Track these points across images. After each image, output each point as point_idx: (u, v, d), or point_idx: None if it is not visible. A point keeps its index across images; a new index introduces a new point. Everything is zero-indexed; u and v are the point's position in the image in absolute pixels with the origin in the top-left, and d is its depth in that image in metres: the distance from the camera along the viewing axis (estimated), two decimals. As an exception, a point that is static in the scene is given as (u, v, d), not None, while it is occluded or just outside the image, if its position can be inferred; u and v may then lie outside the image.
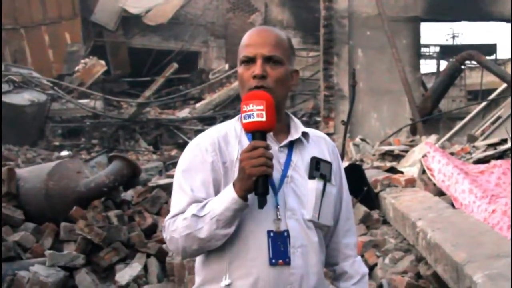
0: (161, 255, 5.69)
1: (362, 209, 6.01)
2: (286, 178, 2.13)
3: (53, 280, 5.18)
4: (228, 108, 18.37)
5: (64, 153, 14.67)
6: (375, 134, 13.01)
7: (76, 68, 19.12)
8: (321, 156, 2.22)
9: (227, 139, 2.17)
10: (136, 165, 6.76)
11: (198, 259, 2.20)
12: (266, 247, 2.07)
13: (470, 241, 4.09)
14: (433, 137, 9.89)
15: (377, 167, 7.80)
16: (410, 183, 6.49)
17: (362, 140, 11.04)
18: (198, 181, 2.12)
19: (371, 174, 6.88)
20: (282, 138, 2.19)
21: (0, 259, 5.34)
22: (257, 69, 2.12)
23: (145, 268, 5.63)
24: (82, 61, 19.37)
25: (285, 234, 2.09)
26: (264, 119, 2.02)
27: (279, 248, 2.08)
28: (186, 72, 21.32)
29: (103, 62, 19.47)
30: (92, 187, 6.26)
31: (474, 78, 22.66)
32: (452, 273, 3.75)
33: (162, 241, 5.64)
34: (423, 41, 18.17)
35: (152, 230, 6.10)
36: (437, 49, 26.42)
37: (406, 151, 8.53)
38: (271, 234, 2.08)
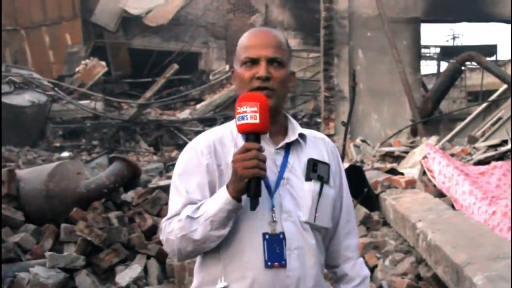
0: (161, 256, 5.69)
1: (362, 210, 6.01)
2: (282, 180, 2.12)
3: (53, 281, 5.17)
4: (228, 109, 18.36)
5: (65, 154, 14.68)
6: (376, 135, 13.02)
7: (77, 69, 19.12)
8: (319, 157, 2.21)
9: (223, 141, 2.17)
10: (136, 166, 6.76)
11: (197, 261, 2.20)
12: (262, 250, 2.07)
13: (470, 242, 4.08)
14: (433, 138, 9.90)
15: (378, 168, 7.80)
16: (411, 184, 6.49)
17: (363, 141, 11.04)
18: (194, 183, 2.12)
19: (372, 175, 6.88)
20: (279, 139, 2.18)
21: (0, 261, 5.33)
22: (261, 70, 2.12)
23: (145, 269, 5.62)
24: (83, 62, 19.36)
25: (281, 236, 2.08)
26: (257, 121, 2.01)
27: (275, 250, 2.07)
28: (187, 73, 21.33)
29: (103, 63, 19.47)
30: (93, 188, 6.26)
31: (475, 79, 22.67)
32: (452, 275, 3.75)
33: (162, 243, 5.63)
34: (423, 42, 18.14)
35: (152, 232, 6.09)
36: (438, 50, 26.42)
37: (407, 153, 8.53)
38: (267, 236, 2.07)
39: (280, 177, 2.13)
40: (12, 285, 5.20)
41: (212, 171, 2.13)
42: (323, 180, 2.16)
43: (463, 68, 14.43)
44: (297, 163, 2.17)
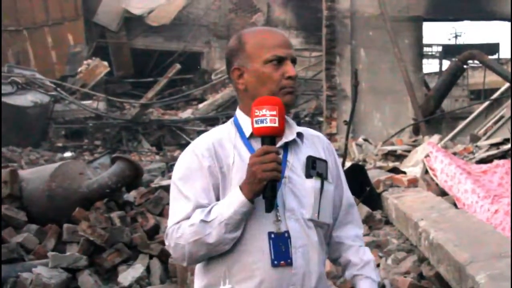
0: (164, 256, 5.69)
1: (365, 209, 6.00)
2: (283, 179, 2.12)
3: (56, 281, 5.18)
4: (230, 109, 18.36)
5: (67, 154, 14.71)
6: (378, 134, 13.01)
7: (79, 69, 19.15)
8: (316, 154, 2.22)
9: (222, 144, 2.16)
10: (138, 166, 6.76)
11: (199, 264, 2.19)
12: (268, 249, 2.07)
13: (472, 241, 4.08)
14: (435, 137, 9.88)
15: (380, 167, 7.79)
16: (413, 183, 6.48)
17: (365, 140, 11.03)
18: (198, 187, 2.11)
19: (374, 174, 6.88)
20: (277, 139, 2.18)
21: (1, 261, 5.34)
22: (291, 70, 2.14)
23: (148, 269, 5.63)
24: (85, 62, 19.40)
25: (286, 235, 2.09)
26: (277, 124, 2.03)
27: (281, 249, 2.08)
28: (189, 73, 21.35)
29: (105, 63, 19.50)
30: (95, 188, 6.26)
31: (477, 77, 22.65)
32: (455, 274, 3.75)
33: (164, 243, 5.62)
34: (425, 40, 18.17)
35: (154, 231, 6.10)
36: (440, 48, 26.38)
37: (409, 151, 8.53)
38: (272, 235, 2.08)
39: (281, 176, 2.12)
40: (14, 285, 5.20)
41: (215, 173, 2.12)
42: (323, 177, 2.18)
43: (465, 66, 14.43)
44: (296, 161, 2.18)
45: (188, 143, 2.28)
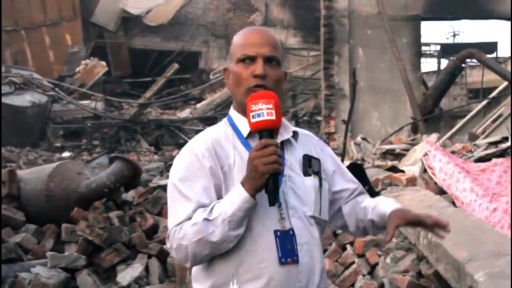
0: (163, 255, 5.69)
1: (364, 208, 5.99)
2: (284, 178, 2.13)
3: (55, 281, 5.18)
4: (229, 108, 18.17)
5: (65, 154, 14.69)
6: (376, 133, 13.01)
7: (77, 69, 19.12)
8: (309, 153, 2.24)
9: (220, 143, 2.16)
10: (137, 166, 6.76)
11: (199, 266, 2.16)
12: (275, 247, 2.07)
13: (471, 239, 4.08)
14: (434, 136, 9.88)
15: (378, 166, 7.79)
16: (411, 182, 6.48)
17: (363, 139, 11.03)
18: (199, 187, 2.09)
19: (372, 173, 6.88)
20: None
21: (0, 261, 5.34)
22: (258, 68, 2.12)
23: (147, 269, 5.63)
24: (83, 62, 19.37)
25: (291, 232, 2.10)
26: (273, 117, 2.03)
27: (287, 247, 2.08)
28: (187, 73, 21.32)
29: (103, 63, 19.47)
30: (93, 188, 6.27)
31: (475, 76, 22.66)
32: (454, 272, 3.74)
33: (163, 242, 5.63)
34: (423, 39, 18.12)
35: (153, 231, 6.10)
36: (438, 47, 26.38)
37: (407, 150, 8.52)
38: (278, 233, 2.08)
39: (282, 175, 2.13)
40: (13, 285, 5.21)
41: (216, 173, 2.11)
42: (320, 175, 2.20)
43: (463, 65, 14.41)
44: (293, 160, 2.19)
45: (186, 143, 2.27)
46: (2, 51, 19.00)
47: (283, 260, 2.07)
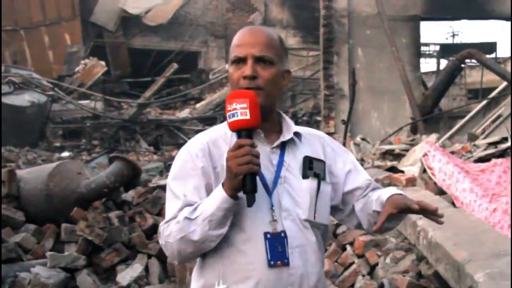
0: (162, 255, 5.68)
1: (363, 208, 5.99)
2: (279, 179, 2.12)
3: (54, 281, 5.18)
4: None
5: (65, 154, 14.68)
6: (376, 133, 13.01)
7: (76, 69, 19.12)
8: (314, 154, 2.21)
9: (217, 143, 2.16)
10: (136, 166, 6.76)
11: (196, 266, 2.19)
12: (264, 249, 2.06)
13: (471, 240, 4.08)
14: (433, 136, 9.88)
15: (378, 167, 7.80)
16: (411, 182, 6.48)
17: (363, 139, 11.02)
18: (191, 186, 2.10)
19: (372, 173, 6.88)
20: (274, 138, 2.18)
21: (0, 261, 5.33)
22: (247, 69, 2.11)
23: (146, 269, 5.63)
24: (82, 62, 19.36)
25: (282, 235, 2.08)
26: (248, 117, 2.01)
27: (277, 249, 2.07)
28: (186, 72, 21.33)
29: (103, 62, 19.47)
30: (93, 188, 6.26)
31: (474, 76, 22.67)
32: (453, 272, 3.75)
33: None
34: (423, 39, 18.16)
35: (153, 231, 6.09)
36: (437, 47, 26.41)
37: (407, 150, 8.52)
38: (268, 236, 2.07)
39: (277, 176, 2.13)
40: (13, 285, 5.20)
41: (208, 173, 2.12)
42: (320, 177, 2.17)
43: (462, 65, 14.41)
44: (293, 161, 2.17)
45: (186, 143, 2.28)
46: (1, 51, 18.98)
47: (271, 262, 2.06)
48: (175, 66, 18.51)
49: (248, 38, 2.16)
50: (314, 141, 2.27)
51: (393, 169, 7.30)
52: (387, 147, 9.40)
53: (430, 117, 12.98)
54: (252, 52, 2.12)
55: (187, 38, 22.57)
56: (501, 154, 7.13)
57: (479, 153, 7.44)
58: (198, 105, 19.27)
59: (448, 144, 9.40)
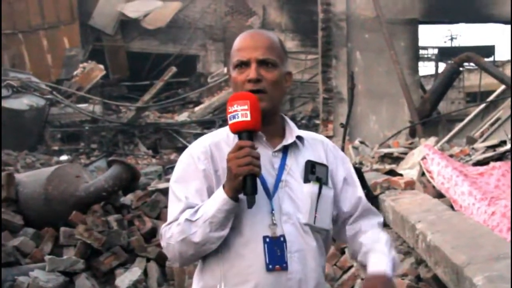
0: (161, 259, 5.69)
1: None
2: (280, 183, 2.12)
3: (53, 285, 5.17)
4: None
5: (63, 157, 14.67)
6: (374, 136, 13.02)
7: (75, 73, 19.11)
8: (317, 159, 2.21)
9: (219, 146, 2.17)
10: (135, 169, 6.76)
11: (197, 268, 2.20)
12: (262, 253, 2.06)
13: (470, 243, 4.08)
14: (432, 139, 9.89)
15: (376, 170, 7.79)
16: (410, 185, 6.48)
17: (361, 142, 11.03)
18: (192, 189, 2.11)
19: (370, 177, 6.88)
20: (276, 142, 2.18)
21: (0, 264, 5.33)
22: (251, 73, 2.12)
23: (145, 272, 5.63)
24: (81, 65, 19.36)
25: (281, 239, 2.08)
26: (248, 118, 2.02)
27: (276, 253, 2.07)
28: (185, 76, 21.33)
29: (101, 66, 19.46)
30: (92, 192, 6.26)
31: (473, 80, 22.70)
32: (452, 276, 3.74)
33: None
34: (421, 43, 18.21)
35: (152, 235, 6.09)
36: (436, 51, 26.46)
37: (405, 154, 8.52)
38: (267, 239, 2.07)
39: (278, 180, 2.13)
40: (11, 289, 5.19)
41: (209, 176, 2.13)
42: (322, 182, 2.16)
43: (461, 69, 14.43)
44: (295, 165, 2.17)
45: (184, 146, 2.29)
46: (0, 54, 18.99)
47: (270, 266, 2.06)
48: (173, 69, 18.50)
49: (250, 41, 2.17)
50: (317, 146, 2.27)
51: (392, 173, 7.30)
52: (386, 150, 9.40)
53: (428, 120, 13.00)
54: (255, 55, 2.13)
55: (186, 41, 22.58)
56: (500, 157, 7.14)
57: (478, 156, 7.44)
58: (196, 108, 19.27)
59: (446, 147, 9.41)
